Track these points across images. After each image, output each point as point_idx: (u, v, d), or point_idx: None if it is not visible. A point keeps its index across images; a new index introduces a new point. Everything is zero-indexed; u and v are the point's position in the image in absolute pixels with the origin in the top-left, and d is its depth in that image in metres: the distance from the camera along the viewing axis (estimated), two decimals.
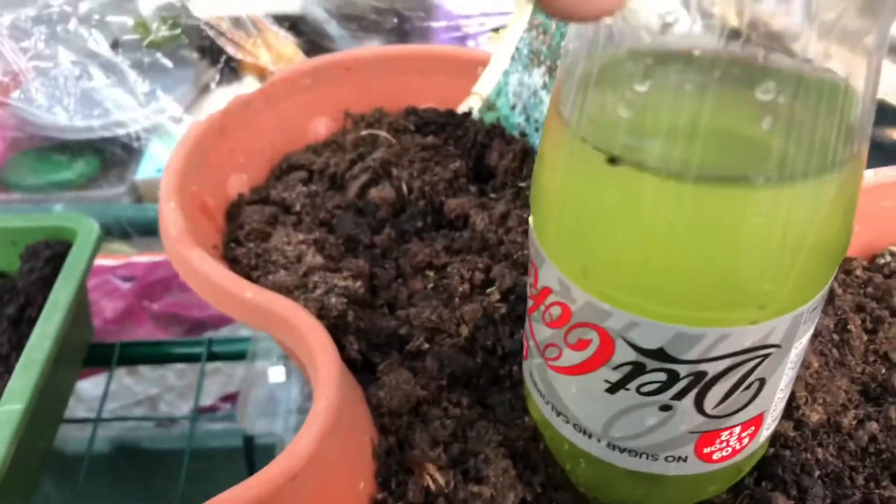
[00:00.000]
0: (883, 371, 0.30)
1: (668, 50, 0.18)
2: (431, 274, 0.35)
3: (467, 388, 0.30)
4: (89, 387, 0.61)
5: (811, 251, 0.19)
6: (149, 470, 0.59)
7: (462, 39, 0.57)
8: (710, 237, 0.19)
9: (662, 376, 0.21)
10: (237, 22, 0.53)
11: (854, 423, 0.29)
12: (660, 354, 0.21)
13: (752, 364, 0.21)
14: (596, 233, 0.20)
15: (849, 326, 0.31)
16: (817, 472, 0.27)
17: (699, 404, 0.22)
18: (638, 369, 0.21)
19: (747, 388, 0.22)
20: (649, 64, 0.18)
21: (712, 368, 0.21)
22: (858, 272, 0.34)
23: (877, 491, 0.27)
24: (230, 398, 0.64)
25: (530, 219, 0.23)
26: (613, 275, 0.20)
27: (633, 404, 0.22)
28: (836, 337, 0.32)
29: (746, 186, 0.18)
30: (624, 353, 0.21)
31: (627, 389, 0.22)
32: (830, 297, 0.33)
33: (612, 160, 0.18)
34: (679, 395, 0.21)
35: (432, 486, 0.27)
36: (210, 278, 0.30)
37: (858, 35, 0.18)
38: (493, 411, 0.30)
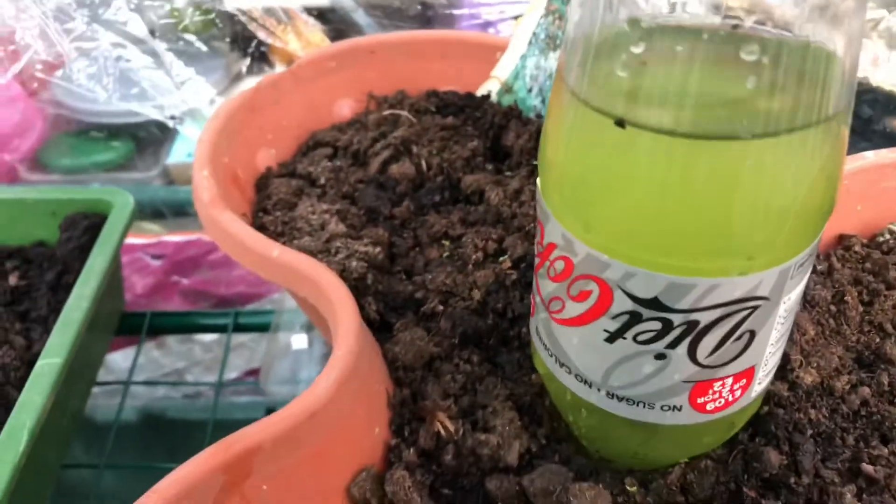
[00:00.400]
0: (877, 340, 0.32)
1: (663, 18, 0.19)
2: (447, 243, 0.37)
3: (478, 347, 0.32)
4: (119, 358, 0.63)
5: (796, 206, 0.21)
6: (174, 439, 0.61)
7: (483, 26, 0.59)
8: (702, 190, 0.20)
9: (657, 325, 0.23)
10: (269, 10, 0.55)
11: (847, 387, 0.30)
12: (654, 304, 0.22)
13: (742, 315, 0.22)
14: (597, 189, 0.22)
15: (846, 298, 0.33)
16: (809, 431, 0.29)
17: (692, 353, 0.23)
18: (635, 318, 0.23)
19: (738, 338, 0.23)
20: (645, 31, 0.20)
21: (704, 318, 0.22)
22: (857, 248, 0.35)
23: (866, 450, 0.28)
24: (254, 373, 0.66)
25: (537, 180, 0.25)
26: (612, 227, 0.22)
27: (631, 353, 0.24)
28: (833, 308, 0.33)
29: (735, 141, 0.19)
30: (622, 303, 0.23)
31: (625, 338, 0.23)
32: (829, 271, 0.34)
33: (619, 122, 0.20)
34: (673, 344, 0.23)
35: (443, 433, 0.28)
36: (239, 238, 0.32)
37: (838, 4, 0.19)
38: (501, 369, 0.32)
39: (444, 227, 0.37)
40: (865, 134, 0.51)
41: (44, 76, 0.55)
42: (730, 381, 0.24)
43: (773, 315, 0.23)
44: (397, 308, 0.34)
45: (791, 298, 0.23)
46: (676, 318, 0.22)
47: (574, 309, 0.24)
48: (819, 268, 0.35)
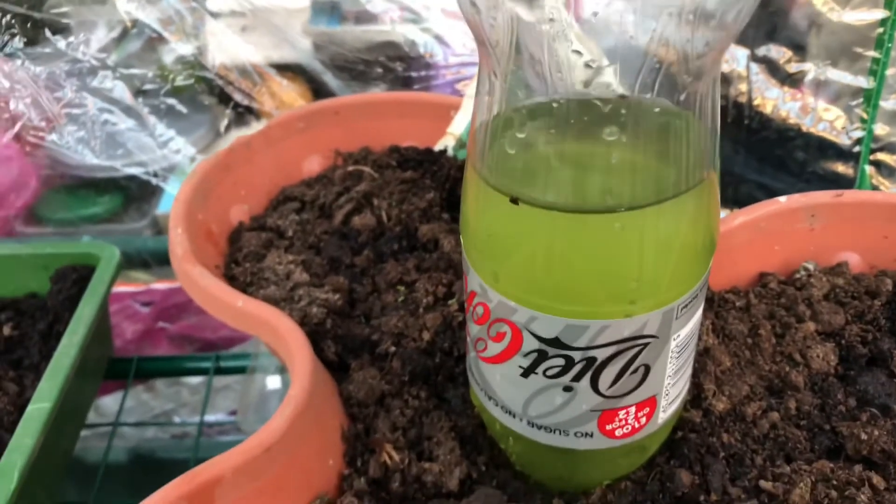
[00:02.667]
0: (786, 369, 0.35)
1: (541, 108, 0.23)
2: (402, 289, 0.40)
3: (426, 384, 0.35)
4: (110, 402, 0.66)
5: (669, 258, 0.24)
6: (161, 478, 0.64)
7: (441, 86, 0.64)
8: (582, 250, 0.24)
9: (561, 361, 0.26)
10: (244, 72, 0.60)
11: (759, 412, 0.33)
12: (556, 342, 0.26)
13: (634, 351, 0.26)
14: (500, 248, 0.25)
15: (760, 331, 0.36)
16: (721, 453, 0.32)
17: (594, 385, 0.26)
18: (542, 356, 0.26)
19: (634, 371, 0.26)
20: (528, 118, 0.23)
21: (600, 354, 0.26)
22: (773, 285, 0.39)
23: (771, 469, 0.31)
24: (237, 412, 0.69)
25: (461, 236, 0.29)
26: (515, 279, 0.25)
27: (543, 386, 0.27)
28: (749, 340, 0.36)
29: (607, 213, 0.23)
30: (530, 343, 0.26)
31: (536, 373, 0.27)
32: (747, 307, 0.38)
33: (513, 200, 0.24)
34: (577, 377, 0.26)
35: (390, 463, 0.32)
36: (208, 290, 0.35)
37: (697, 76, 0.23)
38: (447, 403, 0.35)
39: (400, 274, 0.41)
40: (802, 175, 0.55)
41: (36, 140, 0.59)
42: (633, 409, 0.28)
43: (665, 350, 0.26)
44: (354, 350, 0.37)
45: (681, 335, 0.27)
46: (576, 355, 0.26)
47: (494, 348, 0.28)
48: (738, 304, 0.38)
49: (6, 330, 0.49)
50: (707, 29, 0.21)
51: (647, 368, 0.27)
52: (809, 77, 0.52)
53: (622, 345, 0.25)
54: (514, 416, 0.29)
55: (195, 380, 0.71)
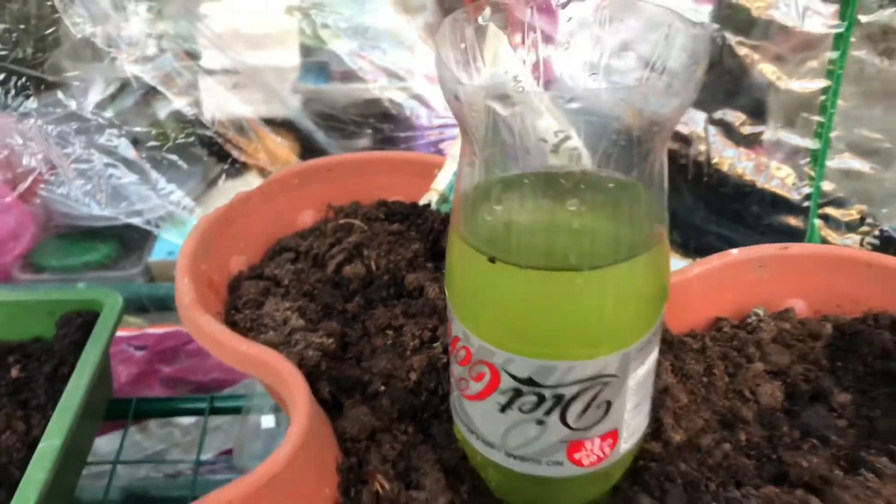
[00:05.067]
0: (738, 405, 0.39)
1: (514, 181, 0.27)
2: (391, 333, 0.44)
3: (413, 421, 0.39)
4: (104, 443, 0.69)
5: (625, 307, 0.28)
6: None
7: (425, 146, 0.69)
8: (552, 302, 0.28)
9: (534, 398, 0.30)
10: (240, 130, 0.64)
11: (713, 444, 0.37)
12: (530, 381, 0.29)
13: (597, 389, 0.30)
14: (480, 300, 0.29)
15: (714, 371, 0.40)
16: (679, 481, 0.35)
17: (563, 419, 0.30)
18: (517, 393, 0.30)
19: (598, 407, 0.30)
20: (503, 190, 0.28)
21: (568, 391, 0.29)
22: (726, 329, 0.43)
23: (724, 494, 0.35)
24: (228, 452, 0.72)
25: (446, 288, 0.33)
26: (494, 327, 0.29)
27: (518, 420, 0.31)
28: (704, 379, 0.40)
29: (570, 271, 0.27)
30: (507, 382, 0.30)
31: (512, 409, 0.30)
32: (703, 349, 0.42)
33: (491, 259, 0.28)
34: (548, 412, 0.30)
35: (381, 492, 0.35)
36: (214, 336, 0.39)
37: (641, 155, 0.27)
38: (433, 438, 0.38)
39: (389, 319, 0.44)
40: (757, 228, 0.60)
41: (44, 193, 0.63)
42: (598, 440, 0.31)
43: (624, 388, 0.30)
44: (347, 389, 0.40)
45: (639, 374, 0.31)
46: (547, 392, 0.29)
47: (475, 387, 0.31)
48: (695, 346, 0.42)
49: (14, 372, 0.52)
50: (666, 99, 0.25)
51: (609, 404, 0.30)
52: (763, 138, 0.57)
53: (586, 383, 0.29)
54: (493, 448, 0.32)
55: (187, 421, 0.74)
